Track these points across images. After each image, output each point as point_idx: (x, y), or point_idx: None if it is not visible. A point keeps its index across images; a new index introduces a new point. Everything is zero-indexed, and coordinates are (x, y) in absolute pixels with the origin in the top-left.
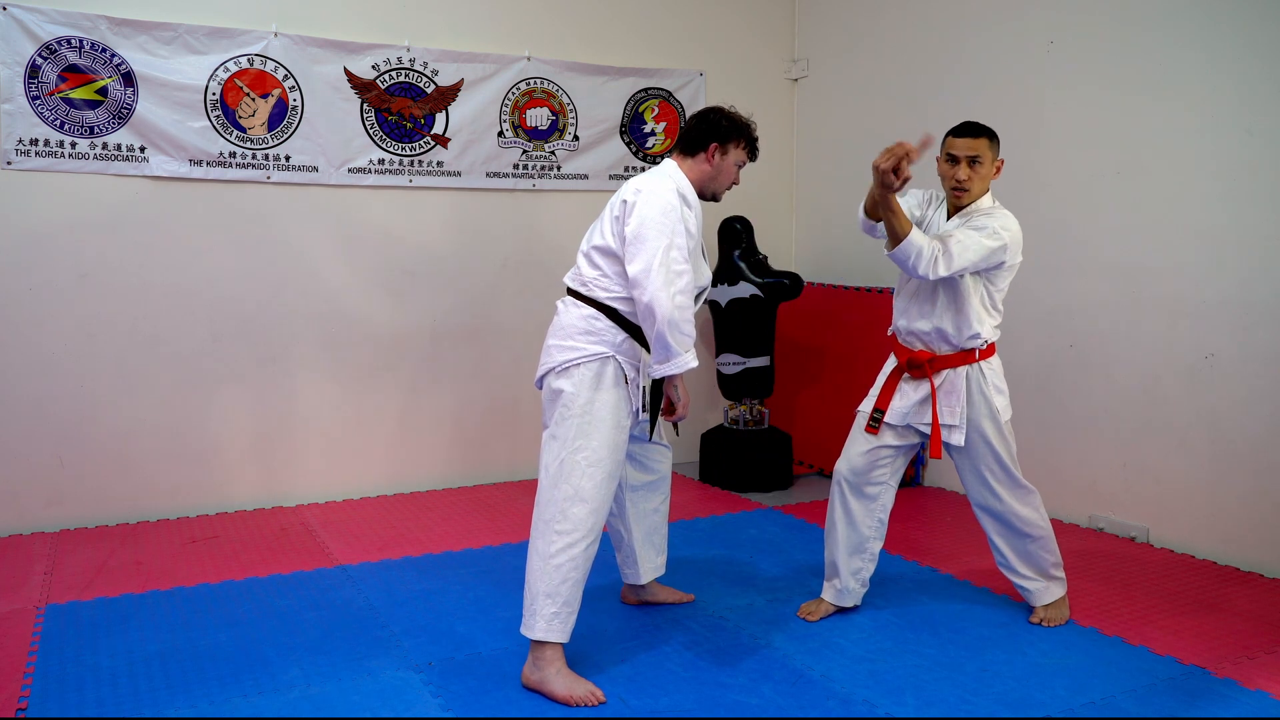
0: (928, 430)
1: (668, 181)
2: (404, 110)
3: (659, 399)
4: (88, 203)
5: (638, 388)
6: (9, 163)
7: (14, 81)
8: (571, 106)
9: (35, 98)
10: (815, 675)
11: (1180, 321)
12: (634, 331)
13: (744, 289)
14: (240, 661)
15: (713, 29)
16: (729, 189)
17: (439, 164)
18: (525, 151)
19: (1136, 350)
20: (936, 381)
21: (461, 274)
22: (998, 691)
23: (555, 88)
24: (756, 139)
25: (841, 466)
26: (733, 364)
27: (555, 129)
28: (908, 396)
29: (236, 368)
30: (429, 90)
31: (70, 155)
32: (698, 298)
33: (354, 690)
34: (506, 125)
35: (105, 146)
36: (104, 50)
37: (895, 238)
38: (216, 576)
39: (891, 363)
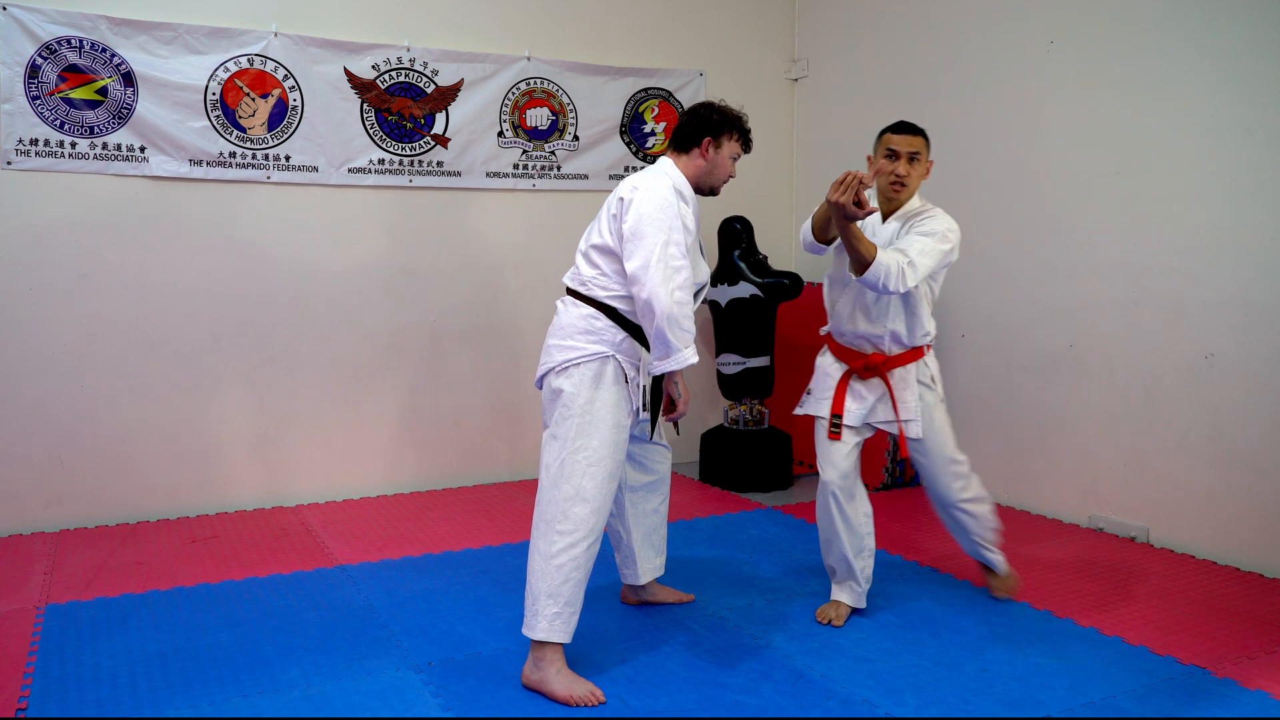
0: (886, 425)
1: (664, 179)
2: (404, 110)
3: (659, 397)
4: (88, 203)
5: (638, 387)
6: (9, 163)
7: (14, 81)
8: (571, 106)
9: (35, 98)
10: (815, 675)
11: (1180, 321)
12: (634, 330)
13: (744, 289)
14: (240, 661)
15: (713, 29)
16: (725, 182)
17: (439, 164)
18: (525, 151)
19: (1136, 350)
20: (891, 381)
21: (461, 274)
22: (998, 691)
23: (555, 88)
24: (749, 130)
25: (831, 476)
26: (733, 364)
27: (555, 129)
28: (862, 398)
29: (236, 368)
30: (429, 90)
31: (70, 155)
32: (696, 295)
33: (354, 690)
34: (506, 125)
35: (105, 146)
36: (104, 50)
37: (862, 263)
38: (216, 576)
39: (833, 366)
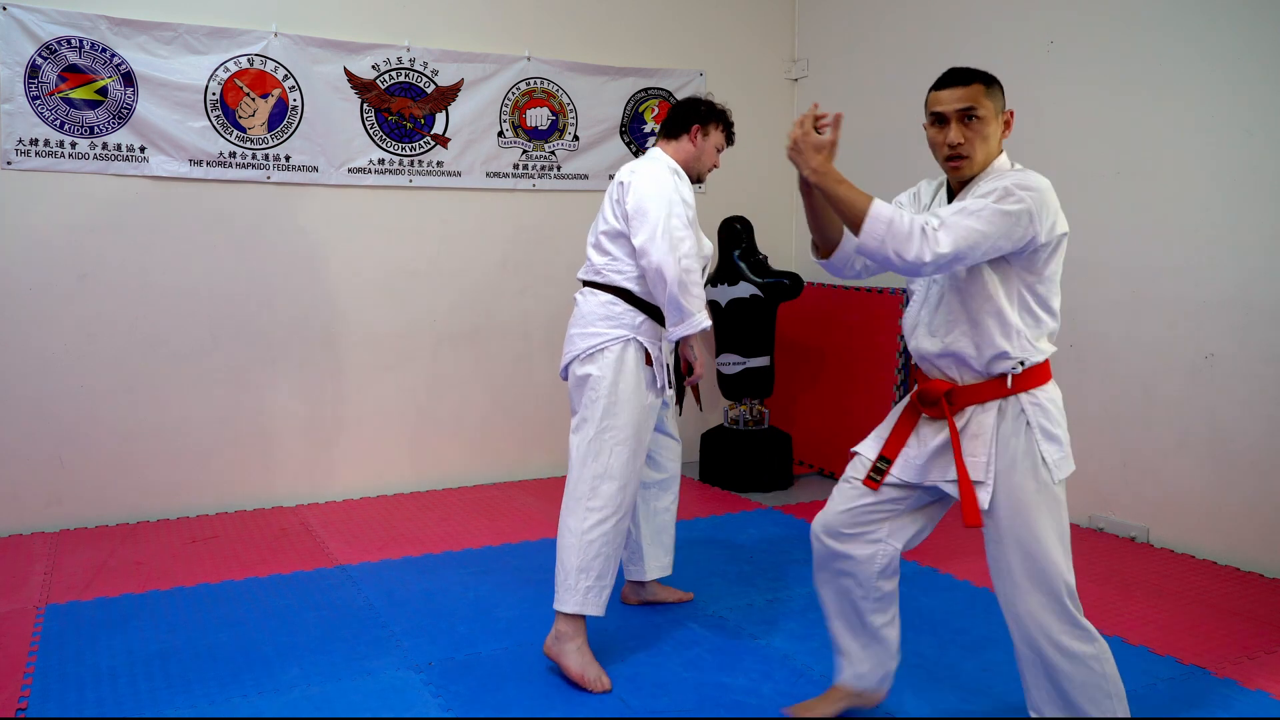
0: (947, 485)
1: (659, 162)
2: (404, 110)
3: (679, 367)
4: (88, 203)
5: (662, 365)
6: (9, 163)
7: (14, 81)
8: (571, 106)
9: (35, 98)
10: (815, 675)
11: (1180, 321)
12: (651, 311)
13: (744, 289)
14: (240, 661)
15: (713, 29)
16: (710, 170)
17: (439, 164)
18: (525, 151)
19: (1136, 350)
20: (959, 422)
21: (461, 274)
22: (998, 691)
23: (555, 88)
24: (733, 124)
25: (816, 523)
26: (733, 364)
27: (555, 129)
28: (925, 442)
29: (236, 368)
30: (429, 90)
31: (70, 155)
32: (702, 270)
33: (354, 690)
34: (506, 125)
35: (105, 146)
36: (104, 50)
37: (854, 221)
38: (216, 576)
39: (909, 399)
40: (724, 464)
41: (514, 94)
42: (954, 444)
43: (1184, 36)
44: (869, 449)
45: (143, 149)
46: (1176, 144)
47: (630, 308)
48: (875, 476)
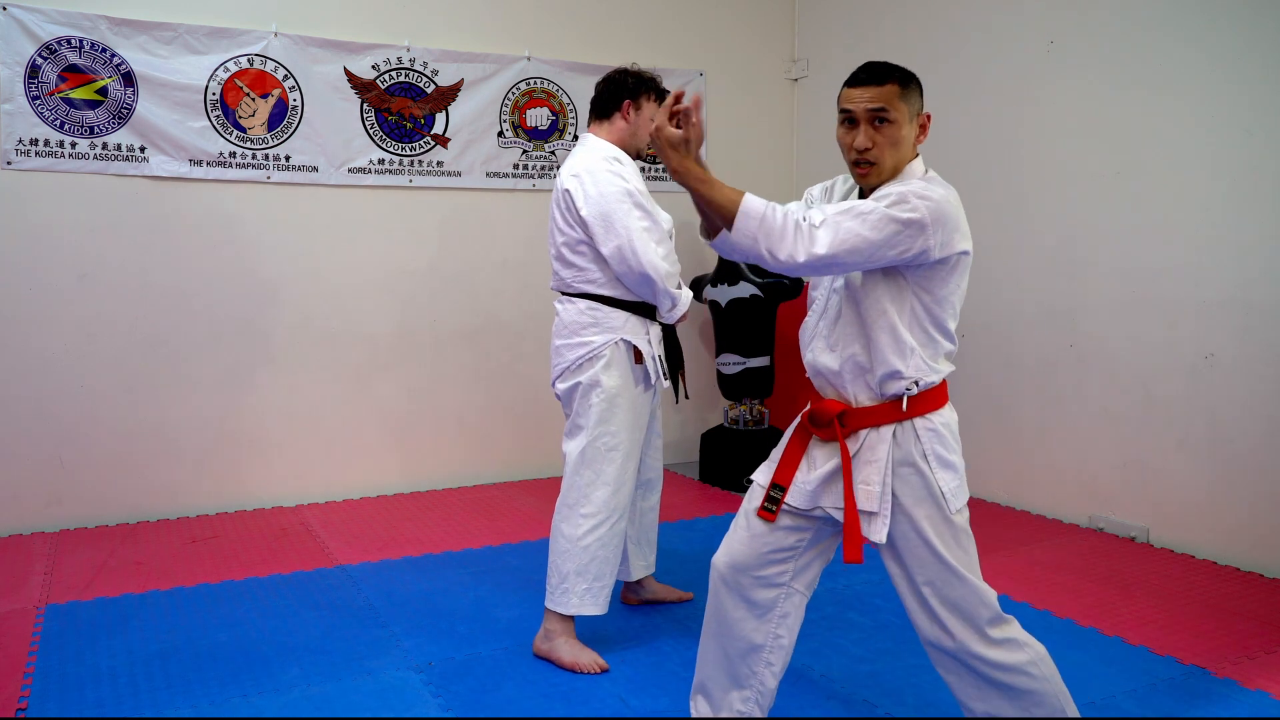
0: (836, 512)
1: (594, 154)
2: (404, 110)
3: (677, 361)
4: (88, 203)
5: (653, 358)
6: (9, 163)
7: (14, 81)
8: (571, 106)
9: (35, 98)
10: (815, 675)
11: (1180, 321)
12: (633, 308)
13: (744, 289)
14: (240, 661)
15: (713, 29)
16: (649, 144)
17: (439, 164)
18: (525, 151)
19: (1136, 350)
20: (851, 447)
21: (461, 274)
22: None
23: (555, 88)
24: (665, 91)
25: (719, 560)
26: (733, 364)
27: (555, 129)
28: (816, 466)
29: (236, 368)
30: (429, 90)
31: (70, 155)
32: (669, 236)
33: (354, 690)
34: (506, 125)
35: (105, 146)
36: (104, 50)
37: (724, 217)
38: (216, 576)
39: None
40: (724, 464)
41: (514, 94)
42: (845, 470)
43: (1184, 36)
44: (763, 475)
45: (143, 149)
46: (1176, 144)
47: (611, 309)
48: (770, 507)
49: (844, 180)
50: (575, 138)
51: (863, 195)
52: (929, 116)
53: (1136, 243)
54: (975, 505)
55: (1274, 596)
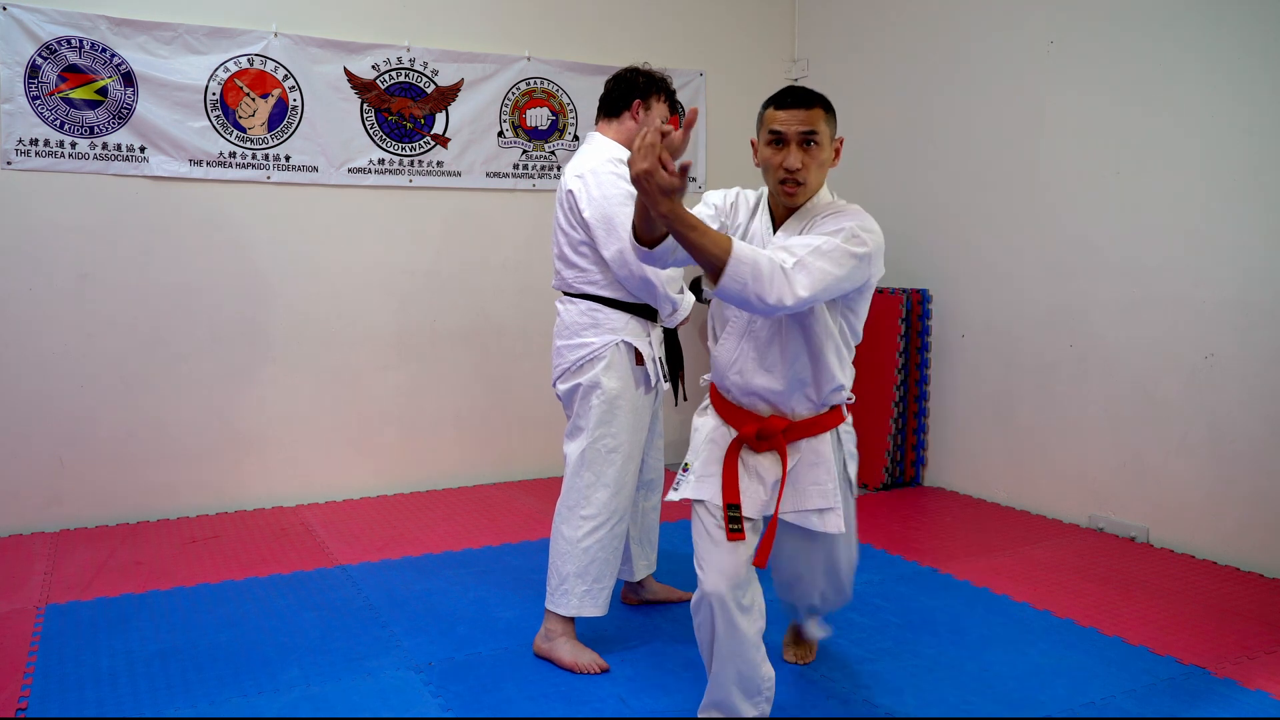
0: (796, 519)
1: (599, 155)
2: (404, 110)
3: (677, 363)
4: (88, 203)
5: (654, 360)
6: (9, 163)
7: (14, 81)
8: (571, 106)
9: (35, 98)
10: (815, 675)
11: (1180, 321)
12: (635, 310)
13: None
14: (240, 661)
15: (713, 29)
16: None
17: (439, 164)
18: (525, 151)
19: (1136, 350)
20: (792, 459)
21: (461, 274)
22: (998, 691)
23: (555, 88)
24: (675, 91)
25: (719, 585)
26: None
27: (555, 129)
28: (761, 478)
29: (236, 368)
30: (429, 90)
31: (70, 155)
32: None
33: (354, 690)
34: (506, 125)
35: (105, 146)
36: (104, 50)
37: (713, 266)
38: (216, 576)
39: (718, 431)
40: None
41: (514, 94)
42: (782, 480)
43: (1184, 36)
44: (708, 492)
45: (143, 149)
46: (1176, 144)
47: (612, 311)
48: (736, 528)
49: (746, 196)
50: (575, 138)
51: (773, 214)
52: (842, 140)
53: (1136, 243)
54: (975, 505)
55: (1274, 596)
